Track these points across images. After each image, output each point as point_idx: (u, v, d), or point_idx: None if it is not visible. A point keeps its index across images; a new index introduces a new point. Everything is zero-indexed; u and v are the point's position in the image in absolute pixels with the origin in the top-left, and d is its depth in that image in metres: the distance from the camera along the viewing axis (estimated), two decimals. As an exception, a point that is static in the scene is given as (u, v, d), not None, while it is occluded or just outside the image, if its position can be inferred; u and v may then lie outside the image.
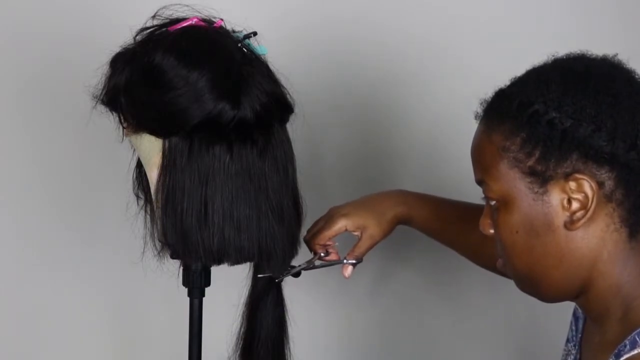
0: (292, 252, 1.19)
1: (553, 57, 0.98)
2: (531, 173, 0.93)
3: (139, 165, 1.20)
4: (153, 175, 1.13)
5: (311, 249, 1.28)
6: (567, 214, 0.92)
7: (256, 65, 1.13)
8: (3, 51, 1.55)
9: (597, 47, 0.99)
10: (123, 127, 1.16)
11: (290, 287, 1.24)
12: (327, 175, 1.70)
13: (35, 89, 1.56)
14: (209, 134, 1.09)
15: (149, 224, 1.18)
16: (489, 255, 1.11)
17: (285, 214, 1.15)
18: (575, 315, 1.10)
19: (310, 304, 1.67)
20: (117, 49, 1.14)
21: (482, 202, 1.03)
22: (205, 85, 1.07)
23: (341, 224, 1.26)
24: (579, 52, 0.98)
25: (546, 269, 0.95)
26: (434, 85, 1.71)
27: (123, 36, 1.15)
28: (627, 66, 0.97)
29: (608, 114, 0.90)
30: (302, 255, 1.23)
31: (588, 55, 0.97)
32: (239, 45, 1.13)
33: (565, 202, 0.92)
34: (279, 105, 1.14)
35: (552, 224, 0.93)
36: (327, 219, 1.28)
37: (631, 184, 0.91)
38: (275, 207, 1.13)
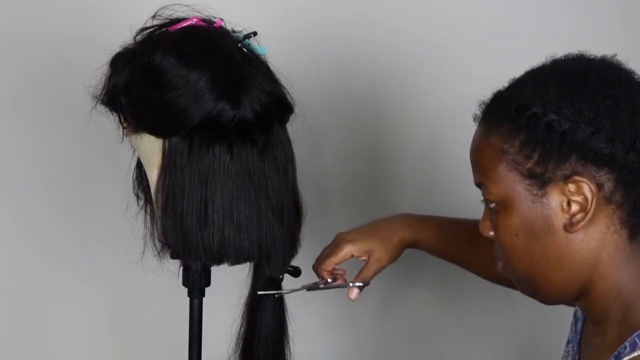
0: (292, 251, 1.19)
1: (551, 58, 0.98)
2: (530, 175, 0.92)
3: (139, 165, 1.20)
4: (153, 175, 1.13)
5: (319, 275, 1.28)
6: (567, 216, 0.92)
7: (256, 65, 1.13)
8: (3, 51, 1.55)
9: (596, 47, 0.99)
10: (123, 127, 1.16)
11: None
12: (327, 175, 1.70)
13: (35, 89, 1.56)
14: (209, 134, 1.09)
15: (149, 224, 1.18)
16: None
17: (285, 214, 1.15)
18: (575, 316, 1.10)
19: (310, 304, 1.67)
20: (117, 49, 1.14)
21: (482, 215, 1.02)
22: (205, 85, 1.07)
23: (347, 250, 1.26)
24: (577, 52, 0.98)
25: (546, 271, 0.95)
26: (434, 85, 1.71)
27: (123, 36, 1.15)
28: (626, 67, 0.96)
29: (607, 116, 0.90)
30: (302, 255, 1.23)
31: (587, 56, 0.97)
32: (239, 45, 1.13)
33: (564, 204, 0.92)
34: (279, 105, 1.14)
35: (552, 227, 0.93)
36: (333, 246, 1.28)
37: (631, 185, 0.91)
38: (275, 207, 1.13)
